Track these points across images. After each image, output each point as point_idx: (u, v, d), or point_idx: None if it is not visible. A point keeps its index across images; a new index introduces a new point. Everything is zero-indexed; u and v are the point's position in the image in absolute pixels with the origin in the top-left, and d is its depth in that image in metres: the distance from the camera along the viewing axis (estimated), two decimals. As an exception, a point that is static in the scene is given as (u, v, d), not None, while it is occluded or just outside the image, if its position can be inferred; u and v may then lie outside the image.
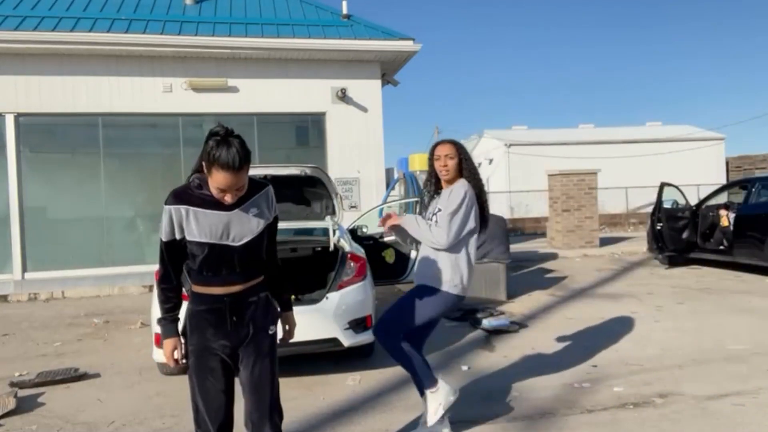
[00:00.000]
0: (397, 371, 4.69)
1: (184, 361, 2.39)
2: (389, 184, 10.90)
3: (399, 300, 3.33)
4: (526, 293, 8.07)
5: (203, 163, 2.23)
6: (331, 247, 4.92)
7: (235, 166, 2.15)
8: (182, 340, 2.39)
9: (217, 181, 2.17)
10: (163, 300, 2.39)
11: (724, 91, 78.04)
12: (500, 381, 4.37)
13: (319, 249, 5.23)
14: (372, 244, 6.20)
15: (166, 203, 2.29)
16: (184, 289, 2.46)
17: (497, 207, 20.64)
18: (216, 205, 2.26)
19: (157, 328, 4.39)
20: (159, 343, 4.38)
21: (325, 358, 4.86)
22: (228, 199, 2.23)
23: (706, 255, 9.99)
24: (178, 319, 2.41)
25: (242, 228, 2.29)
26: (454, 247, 3.21)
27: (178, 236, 2.28)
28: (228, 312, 2.32)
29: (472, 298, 7.46)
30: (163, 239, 2.31)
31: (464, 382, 4.37)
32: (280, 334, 2.56)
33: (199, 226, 2.25)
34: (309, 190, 5.68)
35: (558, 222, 13.20)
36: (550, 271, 10.31)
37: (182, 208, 2.25)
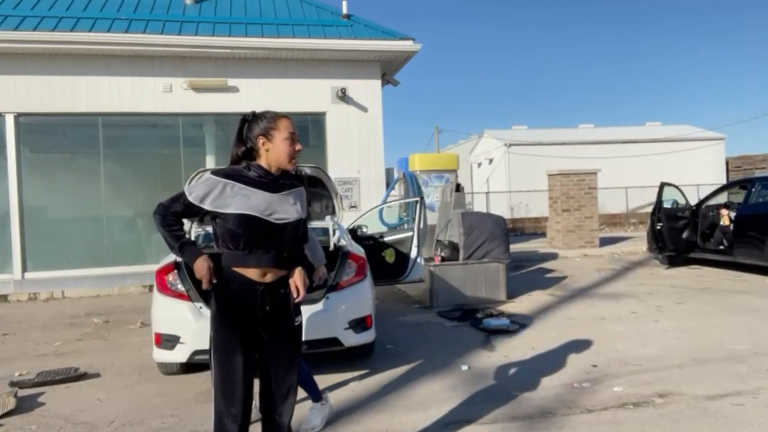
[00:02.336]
0: (397, 371, 4.71)
1: (215, 281, 2.41)
2: (389, 184, 10.89)
3: None
4: (526, 293, 8.07)
5: (260, 139, 2.46)
6: (331, 247, 4.92)
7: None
8: (211, 263, 2.41)
9: (287, 126, 2.48)
10: (172, 231, 2.45)
11: (724, 91, 78.04)
12: (500, 381, 4.37)
13: (319, 249, 5.23)
14: (372, 244, 6.20)
15: (213, 174, 2.43)
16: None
17: (497, 207, 20.70)
18: (262, 185, 2.44)
19: (157, 328, 4.40)
20: (159, 343, 4.39)
21: (325, 358, 4.86)
22: (299, 147, 2.50)
23: (706, 255, 9.99)
24: (193, 242, 2.51)
25: (284, 210, 2.45)
26: None
27: (207, 206, 2.39)
28: (260, 302, 2.41)
29: (472, 298, 7.48)
30: (190, 199, 2.39)
31: (464, 382, 4.37)
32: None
33: (244, 201, 2.38)
34: (309, 190, 5.67)
35: (558, 222, 13.20)
36: (550, 271, 10.31)
37: (229, 183, 2.40)
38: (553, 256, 12.04)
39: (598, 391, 4.06)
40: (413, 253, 6.24)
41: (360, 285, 4.62)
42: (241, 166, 2.49)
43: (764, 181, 9.48)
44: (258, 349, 2.50)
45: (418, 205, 6.35)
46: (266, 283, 2.43)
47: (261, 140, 2.47)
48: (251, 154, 2.51)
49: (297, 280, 2.52)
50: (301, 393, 4.13)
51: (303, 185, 2.64)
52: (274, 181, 2.48)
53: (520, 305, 7.29)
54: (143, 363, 5.11)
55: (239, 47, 9.91)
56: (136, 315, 7.27)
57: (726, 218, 9.70)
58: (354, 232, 6.39)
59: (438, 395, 4.10)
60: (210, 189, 2.39)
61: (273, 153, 2.47)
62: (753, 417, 3.53)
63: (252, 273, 2.41)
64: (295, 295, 2.52)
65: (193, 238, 4.93)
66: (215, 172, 2.45)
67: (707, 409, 3.68)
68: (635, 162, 26.52)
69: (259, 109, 2.59)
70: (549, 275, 9.79)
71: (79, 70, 9.65)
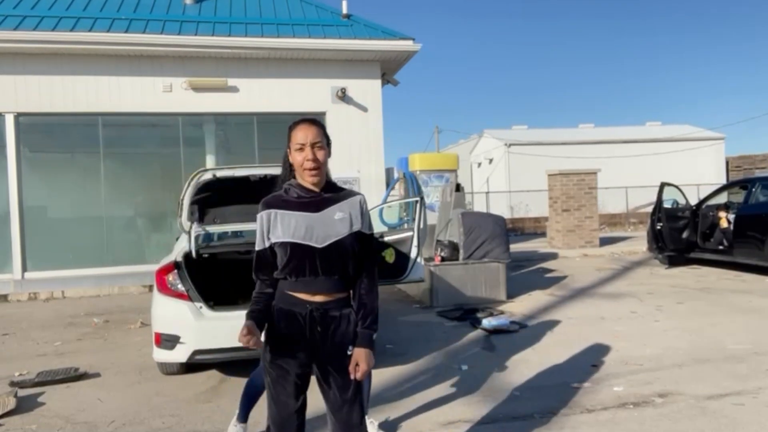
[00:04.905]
0: (397, 371, 4.71)
1: (254, 346, 2.21)
2: (389, 184, 10.88)
3: None
4: (526, 293, 8.07)
5: (288, 152, 2.31)
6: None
7: (308, 120, 2.31)
8: (257, 330, 2.23)
9: (297, 139, 2.25)
10: (252, 303, 2.33)
11: (724, 90, 78.02)
12: (500, 381, 4.37)
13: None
14: (372, 244, 6.19)
15: (258, 213, 2.31)
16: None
17: (497, 207, 20.72)
18: (302, 206, 2.26)
19: (157, 328, 4.42)
20: (159, 343, 4.40)
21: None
22: (309, 156, 2.23)
23: (706, 255, 9.99)
24: (260, 314, 2.29)
25: (326, 230, 2.25)
26: None
27: (267, 244, 2.28)
28: (309, 320, 2.24)
29: (472, 298, 7.48)
30: (256, 248, 2.31)
31: (464, 382, 4.37)
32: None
33: (284, 227, 2.24)
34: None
35: (558, 222, 13.20)
36: (550, 270, 10.31)
37: (271, 212, 2.27)
38: (553, 256, 12.05)
39: (598, 391, 4.06)
40: (413, 253, 6.23)
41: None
42: (282, 190, 2.34)
43: (764, 181, 9.48)
44: (318, 376, 2.34)
45: (418, 205, 6.34)
46: (316, 302, 2.25)
47: (288, 154, 2.31)
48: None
49: (361, 360, 2.25)
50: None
51: (358, 194, 2.40)
52: (315, 199, 2.29)
53: (520, 305, 7.29)
54: (143, 363, 5.11)
55: (239, 47, 9.91)
56: (136, 315, 7.27)
57: (724, 221, 9.70)
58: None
59: (438, 395, 4.11)
60: (260, 226, 2.29)
61: (293, 159, 2.28)
62: (753, 417, 3.53)
63: (302, 294, 2.27)
64: (351, 375, 2.27)
65: (193, 238, 4.94)
66: (258, 210, 2.31)
67: (707, 409, 3.68)
68: (635, 162, 26.53)
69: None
70: (549, 275, 9.79)
71: (79, 69, 9.65)
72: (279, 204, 2.29)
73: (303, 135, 2.25)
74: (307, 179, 2.27)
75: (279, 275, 2.28)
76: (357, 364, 2.25)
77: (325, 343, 2.27)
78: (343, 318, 2.30)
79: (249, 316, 2.27)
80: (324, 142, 2.29)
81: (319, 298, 2.26)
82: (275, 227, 2.25)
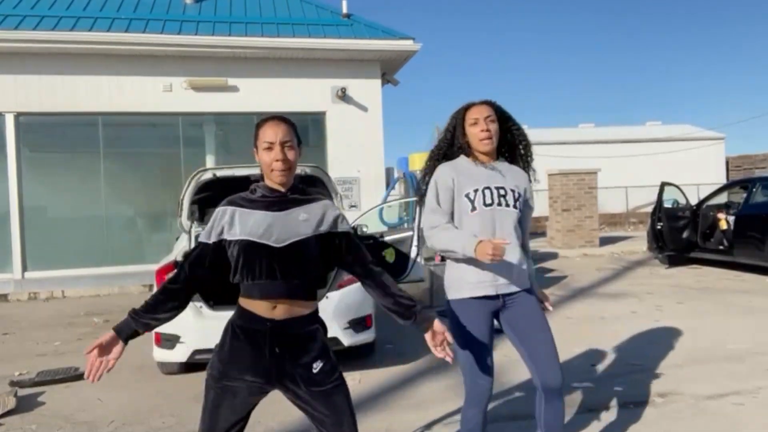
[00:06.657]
0: (397, 371, 4.71)
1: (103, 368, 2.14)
2: (389, 184, 10.89)
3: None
4: (526, 293, 8.06)
5: (255, 152, 2.18)
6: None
7: (276, 117, 2.17)
8: (120, 348, 2.24)
9: (266, 137, 2.12)
10: (155, 294, 2.27)
11: (724, 90, 77.93)
12: (500, 381, 4.36)
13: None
14: (372, 244, 6.19)
15: (220, 206, 2.19)
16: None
17: (497, 207, 20.66)
18: (265, 205, 2.13)
19: (157, 328, 4.41)
20: (159, 342, 4.40)
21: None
22: (279, 157, 2.09)
23: (706, 255, 9.99)
24: (139, 325, 2.31)
25: (286, 230, 2.10)
26: None
27: (213, 238, 2.12)
28: (268, 339, 2.07)
29: (472, 298, 7.47)
30: (200, 239, 2.17)
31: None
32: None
33: (242, 225, 2.09)
34: (309, 190, 5.67)
35: (558, 221, 13.20)
36: (550, 270, 10.31)
37: (229, 209, 2.14)
38: (553, 256, 12.05)
39: (598, 391, 4.06)
40: (413, 253, 6.23)
41: (360, 285, 4.62)
42: (249, 190, 2.20)
43: (764, 181, 9.48)
44: (292, 398, 2.15)
45: (418, 205, 6.34)
46: (277, 319, 2.07)
47: (255, 154, 2.17)
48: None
49: (437, 328, 2.08)
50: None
51: (327, 197, 2.28)
52: (281, 198, 2.15)
53: (520, 305, 7.28)
54: (143, 363, 5.10)
55: (239, 47, 9.91)
56: (136, 314, 7.26)
57: (723, 222, 9.69)
58: (354, 232, 6.38)
59: (438, 395, 4.10)
60: (213, 219, 2.15)
61: (260, 157, 2.15)
62: (752, 416, 3.53)
63: (259, 307, 2.08)
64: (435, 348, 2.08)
65: (193, 238, 4.94)
66: (223, 203, 2.18)
67: (707, 409, 3.68)
68: (635, 162, 26.50)
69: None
70: (549, 275, 9.79)
71: (79, 69, 9.65)
72: (241, 202, 2.16)
73: (272, 133, 2.11)
74: (274, 180, 2.14)
75: (235, 279, 2.13)
76: (439, 334, 2.08)
77: (290, 364, 2.10)
78: (307, 337, 2.13)
79: (119, 327, 2.25)
80: (294, 141, 2.14)
81: (278, 313, 2.08)
82: (232, 226, 2.11)
